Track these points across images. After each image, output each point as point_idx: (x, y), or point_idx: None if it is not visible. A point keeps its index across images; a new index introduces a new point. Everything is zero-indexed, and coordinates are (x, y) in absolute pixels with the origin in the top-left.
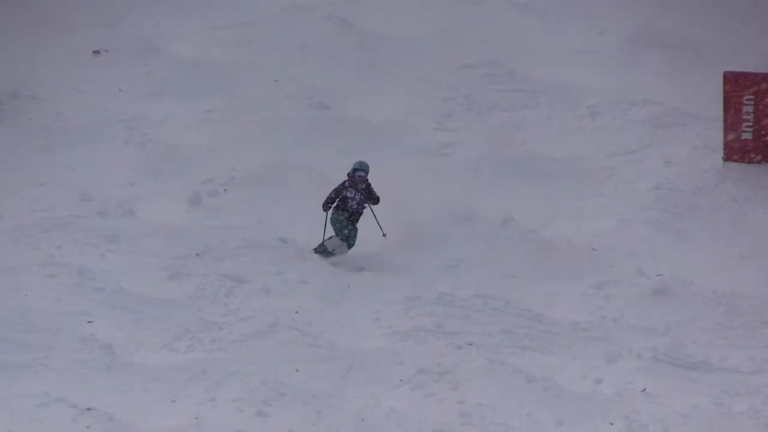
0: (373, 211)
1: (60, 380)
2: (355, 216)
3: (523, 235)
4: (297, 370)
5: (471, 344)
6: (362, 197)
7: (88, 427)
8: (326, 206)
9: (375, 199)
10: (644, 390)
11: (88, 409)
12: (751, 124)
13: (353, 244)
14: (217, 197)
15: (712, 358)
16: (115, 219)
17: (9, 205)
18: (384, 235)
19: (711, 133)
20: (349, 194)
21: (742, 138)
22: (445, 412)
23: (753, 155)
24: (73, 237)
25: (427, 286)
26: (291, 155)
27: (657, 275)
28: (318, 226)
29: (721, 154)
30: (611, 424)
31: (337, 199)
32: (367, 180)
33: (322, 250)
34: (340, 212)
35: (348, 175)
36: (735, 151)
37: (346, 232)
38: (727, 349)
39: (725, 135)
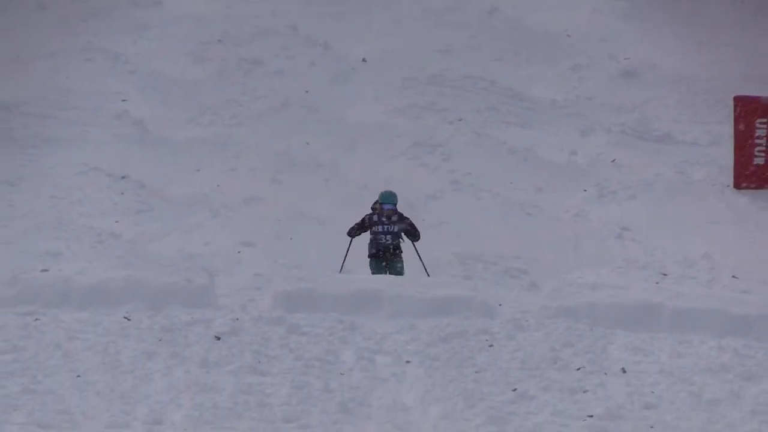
0: (416, 250)
1: (97, 152)
2: (389, 254)
3: (506, 23)
4: (307, 143)
5: (461, 120)
6: (397, 230)
7: (122, 193)
8: (352, 232)
9: (416, 236)
10: (614, 160)
11: (123, 177)
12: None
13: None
14: None
15: (673, 132)
16: (146, 9)
17: None
18: (428, 275)
19: None
20: (378, 229)
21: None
22: (437, 179)
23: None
24: (108, 25)
25: (422, 68)
26: None
27: (625, 59)
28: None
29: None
30: (585, 190)
31: (363, 231)
32: (399, 212)
33: None
34: (374, 257)
35: (372, 208)
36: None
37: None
38: (687, 124)
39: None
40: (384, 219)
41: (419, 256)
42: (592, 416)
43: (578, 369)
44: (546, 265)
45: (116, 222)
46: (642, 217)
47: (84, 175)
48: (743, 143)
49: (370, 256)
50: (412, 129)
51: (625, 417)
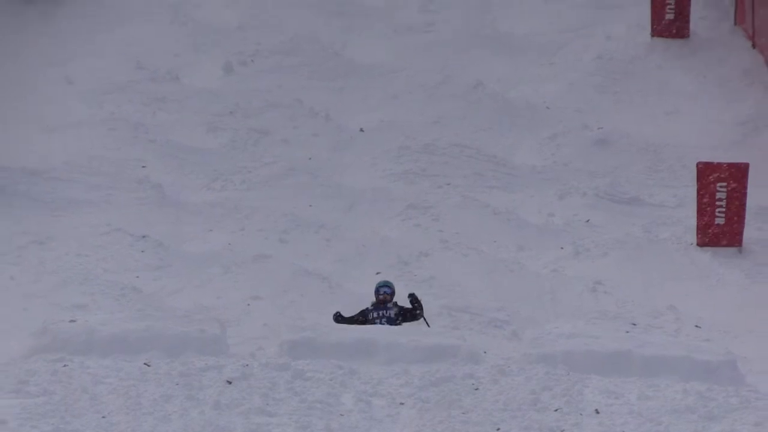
0: (424, 318)
1: (120, 214)
2: None
3: (490, 96)
4: (310, 206)
5: (449, 184)
6: (394, 316)
7: (142, 251)
8: (337, 318)
9: (415, 314)
10: (588, 221)
11: (143, 237)
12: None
13: None
14: (245, 66)
15: (642, 195)
16: (164, 83)
17: (78, 71)
18: (428, 326)
19: (642, 13)
20: (374, 315)
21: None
22: (428, 238)
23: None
24: (129, 98)
25: (415, 138)
26: (305, 32)
27: (599, 128)
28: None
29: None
30: (562, 248)
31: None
32: (395, 303)
33: None
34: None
35: (372, 304)
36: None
37: None
38: (655, 188)
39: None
40: (381, 306)
41: (424, 319)
42: None
43: (556, 410)
44: (526, 317)
45: (137, 277)
46: (614, 272)
47: (108, 234)
48: (706, 205)
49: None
50: (406, 193)
51: None
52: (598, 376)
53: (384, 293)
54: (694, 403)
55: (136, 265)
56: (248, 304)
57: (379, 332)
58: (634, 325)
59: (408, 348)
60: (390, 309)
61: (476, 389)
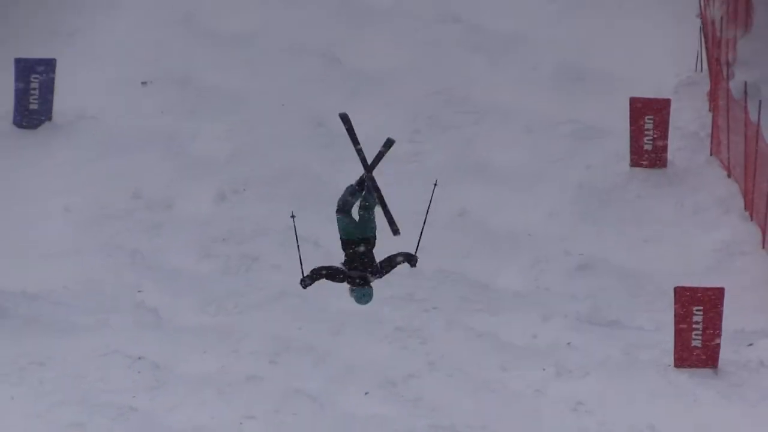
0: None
1: (117, 336)
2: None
3: (474, 224)
4: (299, 329)
5: (435, 308)
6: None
7: (139, 372)
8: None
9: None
10: (569, 343)
11: (139, 359)
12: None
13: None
14: (238, 195)
15: (622, 318)
16: (159, 212)
17: (75, 201)
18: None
19: (621, 144)
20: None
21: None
22: (415, 360)
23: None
24: (127, 225)
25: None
26: (295, 163)
27: (580, 254)
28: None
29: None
30: (544, 369)
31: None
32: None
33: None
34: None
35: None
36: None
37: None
38: (634, 312)
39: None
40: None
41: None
42: None
43: None
44: None
45: (133, 397)
46: (594, 392)
47: (105, 357)
48: (683, 329)
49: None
50: (394, 316)
51: None
52: None
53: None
54: None
55: (133, 385)
56: (241, 423)
57: None
58: None
59: None
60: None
61: None
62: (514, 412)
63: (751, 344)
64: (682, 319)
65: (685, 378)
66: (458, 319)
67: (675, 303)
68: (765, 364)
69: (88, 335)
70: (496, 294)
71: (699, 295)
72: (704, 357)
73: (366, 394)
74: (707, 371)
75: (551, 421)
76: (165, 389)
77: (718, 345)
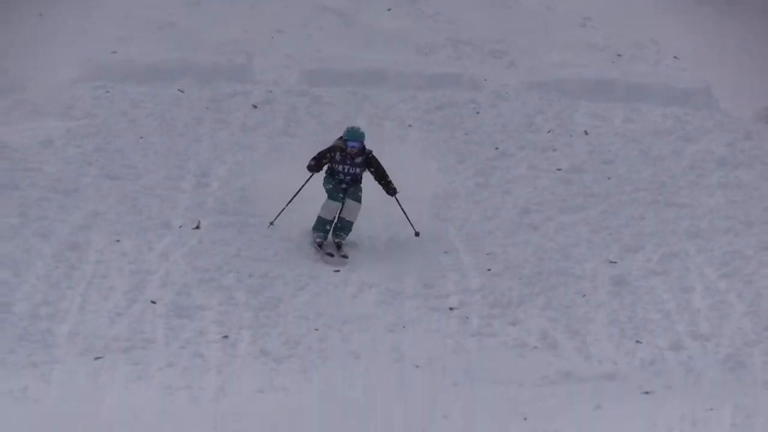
0: (400, 206)
1: None
2: (347, 187)
3: None
4: None
5: None
6: (358, 172)
7: None
8: (311, 166)
9: (390, 187)
10: None
11: None
12: None
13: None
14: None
15: None
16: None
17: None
18: (417, 234)
19: None
20: (339, 168)
21: None
22: None
23: None
24: None
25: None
26: None
27: None
28: None
29: None
30: None
31: (326, 165)
32: (367, 152)
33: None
34: (330, 179)
35: (336, 146)
36: None
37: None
38: None
39: None
40: (348, 159)
41: (404, 212)
42: (560, 169)
43: (549, 131)
44: (523, 48)
45: (172, 15)
46: (601, 8)
47: None
48: None
49: (326, 188)
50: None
51: (587, 170)
52: (587, 102)
53: (351, 147)
54: (672, 125)
55: (172, 2)
56: (272, 37)
57: (388, 62)
58: (619, 55)
59: (415, 76)
60: (357, 165)
61: (477, 113)
62: (527, 27)
63: None
64: None
65: None
66: None
67: None
68: None
69: None
70: None
71: None
72: None
73: (389, 10)
74: None
75: (561, 36)
76: (202, 5)
77: None
